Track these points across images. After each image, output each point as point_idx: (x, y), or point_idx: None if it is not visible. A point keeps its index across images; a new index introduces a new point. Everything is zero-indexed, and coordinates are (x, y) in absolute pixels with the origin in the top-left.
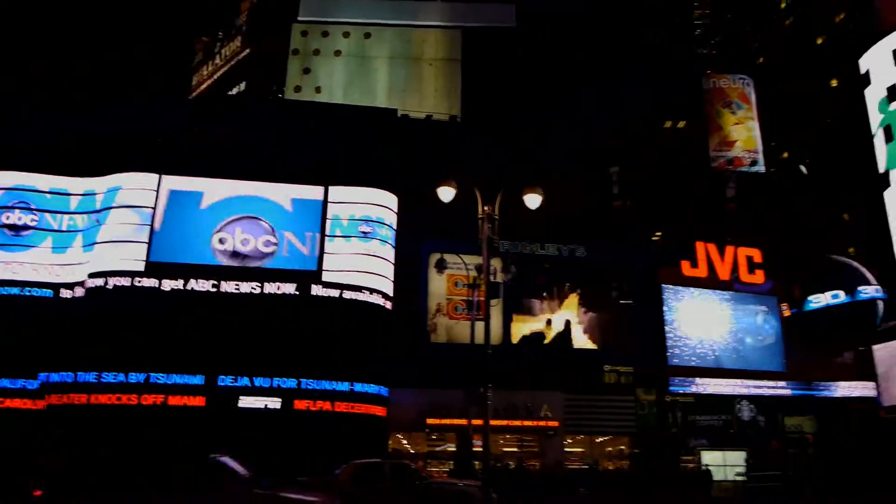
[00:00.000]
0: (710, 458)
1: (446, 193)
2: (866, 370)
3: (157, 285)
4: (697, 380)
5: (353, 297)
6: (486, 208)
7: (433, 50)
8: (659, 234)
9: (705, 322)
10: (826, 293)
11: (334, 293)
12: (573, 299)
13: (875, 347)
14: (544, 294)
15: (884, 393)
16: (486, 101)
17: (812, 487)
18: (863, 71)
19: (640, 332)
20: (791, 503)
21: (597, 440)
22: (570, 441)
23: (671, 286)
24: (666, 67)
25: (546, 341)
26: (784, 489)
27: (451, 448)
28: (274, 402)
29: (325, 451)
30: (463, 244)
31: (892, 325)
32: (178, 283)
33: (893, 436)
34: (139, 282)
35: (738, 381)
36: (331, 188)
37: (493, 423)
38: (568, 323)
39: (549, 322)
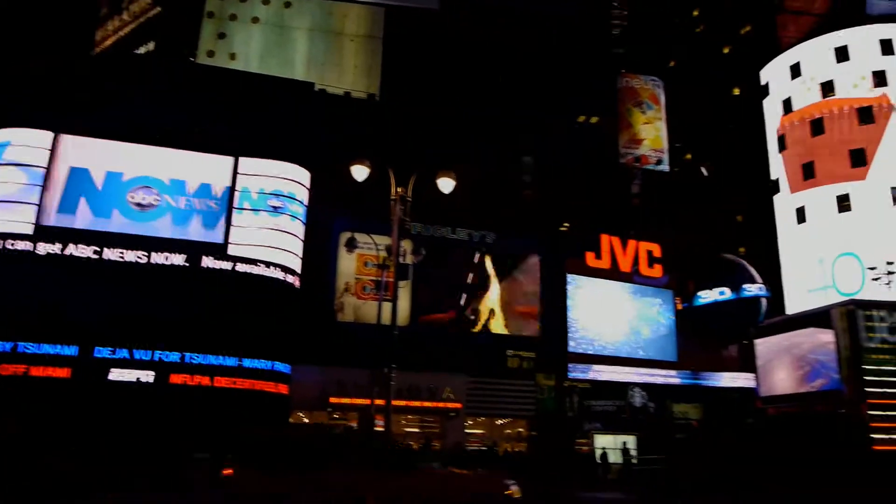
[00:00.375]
0: (603, 441)
1: (360, 172)
2: (749, 362)
3: (31, 249)
4: (595, 366)
5: (248, 271)
6: (399, 189)
7: (355, 25)
8: (567, 224)
9: (606, 311)
10: (714, 290)
11: (226, 266)
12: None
13: (757, 342)
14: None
15: (762, 384)
16: (406, 82)
17: (696, 472)
18: (763, 82)
19: (544, 320)
20: (675, 486)
21: (497, 422)
22: (470, 423)
23: (576, 275)
24: (583, 63)
25: (476, 329)
26: (668, 473)
27: (353, 427)
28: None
29: (222, 428)
30: (374, 224)
31: (773, 322)
32: (56, 248)
33: (767, 423)
34: (12, 245)
35: (633, 369)
36: (241, 159)
37: (395, 403)
38: (492, 312)
39: (473, 310)
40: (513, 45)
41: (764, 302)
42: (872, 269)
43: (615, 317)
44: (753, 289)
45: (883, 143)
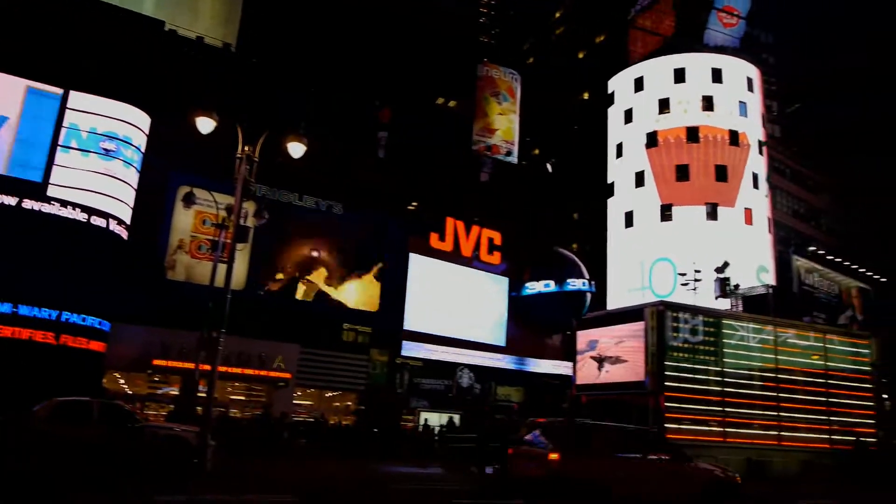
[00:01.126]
0: (428, 418)
1: (205, 125)
2: (570, 352)
3: None
4: (428, 345)
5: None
6: (246, 148)
7: None
8: (415, 203)
9: (443, 293)
10: (541, 281)
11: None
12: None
13: (578, 333)
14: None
15: (577, 373)
16: (265, 37)
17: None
18: (609, 91)
19: (383, 296)
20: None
21: (326, 395)
22: (299, 394)
23: (418, 255)
24: (448, 46)
25: (301, 296)
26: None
27: (174, 392)
28: None
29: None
30: (216, 181)
31: (594, 316)
32: None
33: (579, 408)
34: None
35: (464, 351)
36: (72, 93)
37: (223, 369)
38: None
39: (305, 279)
40: (380, 16)
41: (588, 296)
42: (683, 274)
43: (452, 299)
44: (579, 283)
45: (706, 164)
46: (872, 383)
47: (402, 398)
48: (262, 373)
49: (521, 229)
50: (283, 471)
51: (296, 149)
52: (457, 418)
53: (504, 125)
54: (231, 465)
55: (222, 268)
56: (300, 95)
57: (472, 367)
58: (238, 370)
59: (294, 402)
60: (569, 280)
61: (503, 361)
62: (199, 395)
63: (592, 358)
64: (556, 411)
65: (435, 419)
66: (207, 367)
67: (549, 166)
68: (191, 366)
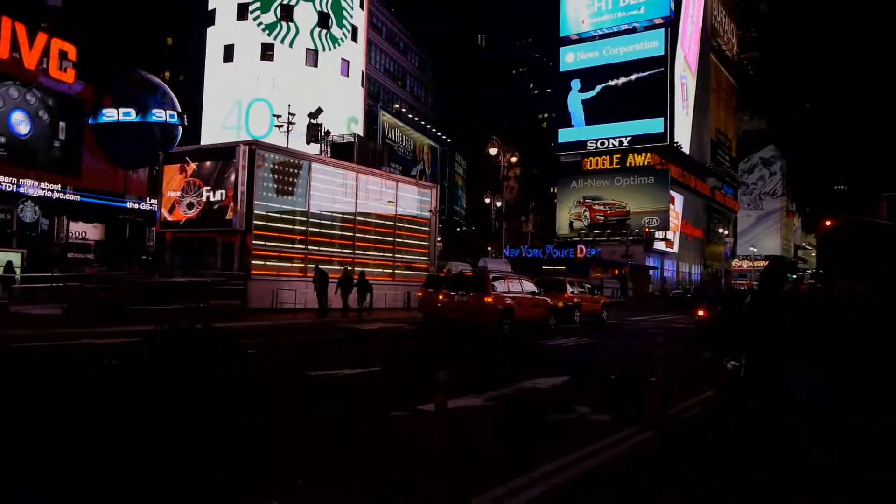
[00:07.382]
0: None
1: None
2: (157, 188)
3: None
4: None
5: None
6: None
7: None
8: None
9: None
10: (129, 109)
11: None
12: None
13: (166, 167)
14: None
15: (163, 210)
16: None
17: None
18: None
19: None
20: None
21: None
22: None
23: None
24: None
25: None
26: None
27: None
28: None
29: None
30: None
31: (185, 150)
32: None
33: (164, 245)
34: None
35: (25, 181)
36: None
37: None
38: None
39: None
40: None
41: (179, 130)
42: (278, 116)
43: (8, 120)
44: (170, 115)
45: (311, 8)
46: (430, 226)
47: None
48: None
49: (103, 47)
50: None
51: None
52: (16, 257)
53: None
54: None
55: None
56: None
57: (38, 200)
58: None
59: None
60: (160, 110)
61: (77, 195)
62: None
63: (180, 194)
64: (139, 249)
65: None
66: None
67: None
68: None
